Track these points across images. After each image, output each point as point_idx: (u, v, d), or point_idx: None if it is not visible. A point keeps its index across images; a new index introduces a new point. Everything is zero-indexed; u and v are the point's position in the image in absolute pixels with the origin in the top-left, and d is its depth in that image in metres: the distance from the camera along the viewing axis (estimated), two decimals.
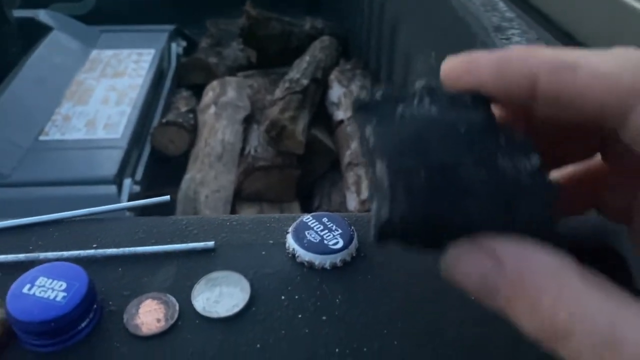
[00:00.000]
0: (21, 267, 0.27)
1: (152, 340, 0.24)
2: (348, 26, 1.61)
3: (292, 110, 1.20)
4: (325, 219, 0.29)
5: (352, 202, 1.06)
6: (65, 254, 0.28)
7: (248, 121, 1.34)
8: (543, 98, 0.17)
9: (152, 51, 1.53)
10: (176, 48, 1.65)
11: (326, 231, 0.29)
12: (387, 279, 0.27)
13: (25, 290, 0.24)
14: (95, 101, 1.31)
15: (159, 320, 0.25)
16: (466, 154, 0.17)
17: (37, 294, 0.24)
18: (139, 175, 1.17)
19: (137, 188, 1.11)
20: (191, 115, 1.35)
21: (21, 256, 0.27)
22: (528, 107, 0.18)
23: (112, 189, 1.06)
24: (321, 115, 1.32)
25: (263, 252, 0.29)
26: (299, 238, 0.28)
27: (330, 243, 0.28)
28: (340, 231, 0.28)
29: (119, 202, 1.05)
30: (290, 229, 0.29)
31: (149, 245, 0.28)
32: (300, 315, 0.26)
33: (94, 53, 1.52)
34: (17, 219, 0.30)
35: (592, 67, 0.16)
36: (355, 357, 0.24)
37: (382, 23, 1.23)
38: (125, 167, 1.13)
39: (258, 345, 0.24)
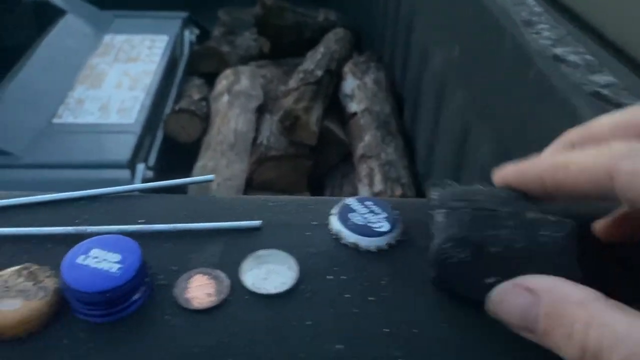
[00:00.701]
0: (70, 239, 0.27)
1: (203, 314, 0.25)
2: (362, 18, 1.61)
3: (306, 100, 1.20)
4: (368, 202, 0.29)
5: (365, 195, 1.06)
6: (114, 227, 0.28)
7: (260, 111, 1.34)
8: (551, 191, 0.23)
9: (166, 38, 1.53)
10: (189, 36, 1.65)
11: (371, 214, 0.29)
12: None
13: (79, 260, 0.24)
14: (108, 86, 1.32)
15: (209, 295, 0.25)
16: (503, 206, 0.25)
17: (91, 264, 0.24)
18: (151, 160, 1.17)
19: (150, 173, 1.11)
20: (204, 103, 1.35)
21: (70, 229, 0.28)
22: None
23: (126, 173, 1.06)
24: (334, 107, 1.32)
25: (307, 233, 0.29)
26: (344, 220, 0.28)
27: (375, 226, 0.28)
28: (385, 215, 0.29)
29: None
30: (334, 211, 0.29)
31: (195, 223, 0.29)
32: (347, 295, 0.26)
33: (107, 38, 1.52)
34: (63, 192, 0.30)
35: (579, 163, 0.22)
36: (405, 338, 0.24)
37: (398, 15, 1.22)
38: (138, 153, 1.13)
39: (308, 323, 0.24)
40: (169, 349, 0.23)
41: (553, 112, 0.48)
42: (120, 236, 0.25)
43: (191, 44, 1.64)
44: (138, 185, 0.30)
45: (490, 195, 0.26)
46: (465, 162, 0.81)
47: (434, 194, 0.27)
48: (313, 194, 1.22)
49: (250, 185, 1.20)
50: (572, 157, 0.23)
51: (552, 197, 0.24)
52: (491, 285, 0.23)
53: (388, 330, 0.24)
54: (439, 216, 0.26)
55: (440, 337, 0.24)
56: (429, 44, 0.98)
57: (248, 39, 1.69)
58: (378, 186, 1.05)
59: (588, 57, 0.52)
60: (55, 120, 1.19)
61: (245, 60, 1.60)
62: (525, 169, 0.25)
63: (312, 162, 1.20)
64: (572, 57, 0.51)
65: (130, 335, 0.24)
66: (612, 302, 0.19)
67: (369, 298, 0.26)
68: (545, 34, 0.55)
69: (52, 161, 1.07)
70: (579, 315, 0.18)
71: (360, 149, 1.15)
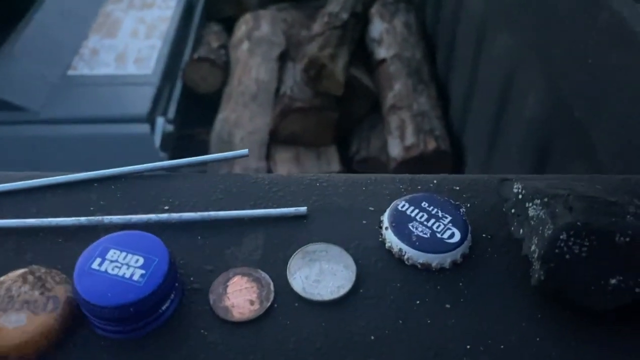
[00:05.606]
0: (84, 231, 0.23)
1: (246, 327, 0.20)
2: None
3: (332, 47, 1.13)
4: (424, 204, 0.24)
5: (395, 148, 1.00)
6: (134, 218, 0.23)
7: (283, 59, 1.27)
8: None
9: None
10: None
11: (433, 220, 0.23)
12: (510, 265, 0.23)
13: (95, 265, 0.20)
14: (124, 34, 1.25)
15: (252, 302, 0.21)
16: (608, 195, 0.21)
17: (109, 271, 0.20)
18: (171, 113, 1.12)
19: (170, 127, 1.07)
20: (223, 52, 1.28)
21: (83, 219, 0.23)
22: None
23: (145, 127, 1.02)
24: (360, 53, 1.24)
25: (364, 221, 0.24)
26: (403, 233, 0.22)
27: (445, 236, 0.22)
28: (450, 217, 0.23)
29: (152, 141, 1.01)
30: (386, 221, 0.23)
31: (230, 210, 0.24)
32: (418, 302, 0.21)
33: None
34: (73, 173, 0.25)
35: None
36: (492, 355, 0.20)
37: None
38: (157, 105, 1.08)
39: (372, 337, 0.20)
40: None
41: (633, 60, 0.41)
42: (142, 233, 0.21)
43: None
44: (161, 163, 0.26)
45: (588, 184, 0.22)
46: (508, 113, 0.75)
47: (516, 186, 0.22)
48: (339, 148, 1.17)
49: (274, 139, 1.15)
50: None
51: None
52: (616, 288, 0.19)
53: (470, 346, 0.20)
54: (536, 209, 0.21)
55: (537, 355, 0.20)
56: None
57: None
58: (410, 139, 0.99)
59: None
60: (70, 73, 1.14)
61: (264, 3, 1.51)
62: None
63: (339, 114, 1.14)
64: None
65: (161, 354, 0.20)
66: None
67: (445, 305, 0.21)
68: None
69: (69, 116, 1.03)
70: None
71: (390, 98, 1.08)
